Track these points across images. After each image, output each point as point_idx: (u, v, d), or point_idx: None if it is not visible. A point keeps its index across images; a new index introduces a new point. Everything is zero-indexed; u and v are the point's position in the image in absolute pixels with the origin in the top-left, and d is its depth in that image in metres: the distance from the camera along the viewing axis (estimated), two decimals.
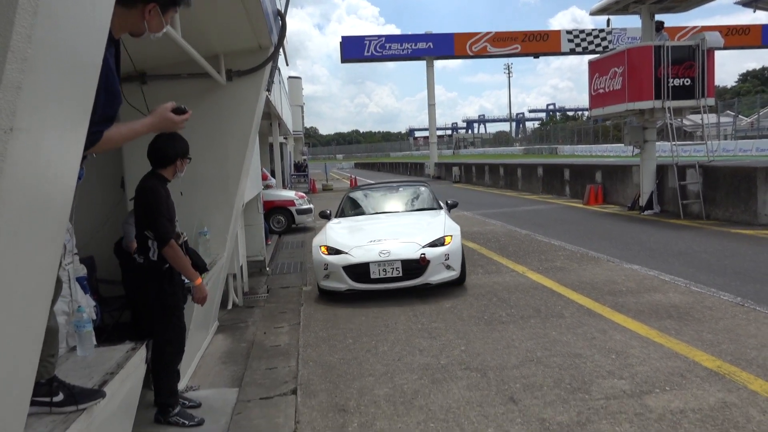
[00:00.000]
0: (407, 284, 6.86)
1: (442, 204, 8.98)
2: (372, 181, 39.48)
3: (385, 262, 6.80)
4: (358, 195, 9.66)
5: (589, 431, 3.54)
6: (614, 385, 4.20)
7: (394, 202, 9.18)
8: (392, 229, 7.61)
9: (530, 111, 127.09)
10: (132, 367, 2.70)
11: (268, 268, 9.37)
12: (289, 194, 14.94)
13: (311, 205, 14.87)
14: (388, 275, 6.81)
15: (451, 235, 7.20)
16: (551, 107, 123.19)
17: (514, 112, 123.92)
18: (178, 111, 2.69)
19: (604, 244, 10.14)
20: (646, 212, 13.74)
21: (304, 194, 15.38)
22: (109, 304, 5.09)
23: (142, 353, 2.90)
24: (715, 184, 12.27)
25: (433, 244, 6.99)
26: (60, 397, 2.12)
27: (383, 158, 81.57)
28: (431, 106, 37.09)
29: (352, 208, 9.12)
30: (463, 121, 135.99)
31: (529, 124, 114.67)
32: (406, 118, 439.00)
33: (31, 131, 1.21)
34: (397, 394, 4.28)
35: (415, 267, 6.83)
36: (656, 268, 7.94)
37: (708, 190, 12.42)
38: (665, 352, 4.78)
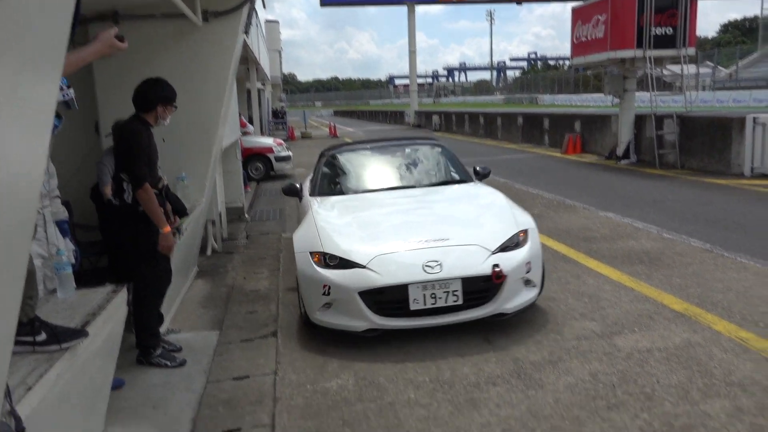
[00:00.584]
0: (469, 317, 4.06)
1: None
2: (352, 129, 39.05)
3: (435, 282, 3.92)
4: (347, 158, 6.12)
5: (561, 369, 3.69)
6: (585, 326, 4.35)
7: (406, 170, 5.89)
8: (427, 220, 4.71)
9: (511, 59, 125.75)
10: (113, 308, 2.72)
11: (246, 215, 9.34)
12: (268, 141, 14.77)
13: (290, 153, 14.74)
14: (440, 304, 3.96)
15: (527, 230, 4.46)
16: (533, 56, 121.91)
17: (496, 60, 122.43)
18: (120, 39, 2.64)
19: (580, 192, 10.27)
20: (623, 161, 13.90)
21: (282, 141, 15.22)
22: (86, 249, 5.06)
23: (123, 295, 2.92)
24: (692, 135, 12.42)
25: (505, 247, 4.22)
26: (42, 336, 2.14)
27: (363, 106, 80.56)
28: (412, 53, 36.50)
29: (340, 178, 5.85)
30: (444, 69, 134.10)
31: (510, 73, 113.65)
32: (387, 65, 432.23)
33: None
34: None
35: (482, 288, 4.05)
36: (630, 215, 8.10)
37: (684, 140, 12.57)
38: (635, 295, 4.94)
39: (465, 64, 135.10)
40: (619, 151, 14.12)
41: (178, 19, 5.10)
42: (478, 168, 6.05)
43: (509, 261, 4.12)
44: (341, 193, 5.60)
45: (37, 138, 1.50)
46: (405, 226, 4.60)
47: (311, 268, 4.20)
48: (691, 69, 15.48)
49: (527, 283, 4.27)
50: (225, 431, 3.20)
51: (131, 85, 3.84)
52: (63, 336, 2.20)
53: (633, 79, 13.78)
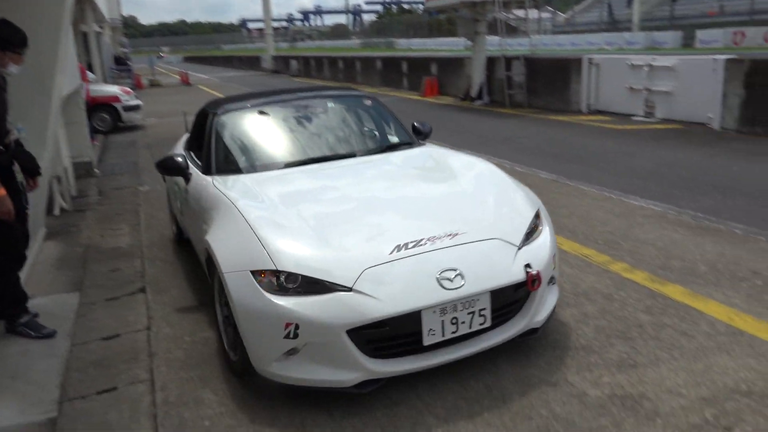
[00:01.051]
0: (497, 341, 2.91)
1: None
2: (206, 76, 37.01)
3: (458, 301, 2.73)
4: (251, 118, 4.27)
5: None
6: None
7: (338, 132, 4.30)
8: (414, 205, 3.34)
9: (366, 3, 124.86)
10: None
11: (96, 170, 8.64)
12: (113, 89, 13.61)
13: (140, 101, 13.72)
14: (462, 331, 2.79)
15: (538, 208, 3.40)
16: (388, 0, 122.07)
17: (351, 3, 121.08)
18: None
19: (438, 132, 10.67)
20: (476, 102, 14.62)
21: (130, 90, 14.09)
22: None
23: None
24: (537, 76, 13.31)
25: (528, 237, 3.10)
26: None
27: (215, 51, 76.34)
28: None
29: (250, 149, 4.07)
30: (299, 12, 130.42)
31: (366, 17, 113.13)
32: (238, 8, 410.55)
33: None
34: None
35: (511, 300, 2.95)
36: (485, 152, 8.59)
37: (530, 81, 13.45)
38: None
39: (320, 7, 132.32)
40: (473, 92, 14.80)
41: None
42: (416, 124, 4.61)
43: (538, 257, 3.00)
44: (256, 169, 3.79)
45: None
46: (386, 215, 3.15)
47: (259, 297, 2.66)
48: (533, 14, 16.43)
49: (551, 281, 3.16)
50: (99, 392, 3.05)
51: None
52: None
53: (483, 22, 14.35)
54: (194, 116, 4.78)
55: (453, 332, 2.74)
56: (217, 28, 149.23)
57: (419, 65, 18.82)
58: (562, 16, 48.57)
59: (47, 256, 5.21)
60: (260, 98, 4.48)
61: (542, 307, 3.08)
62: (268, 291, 2.68)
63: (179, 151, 4.83)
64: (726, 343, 3.16)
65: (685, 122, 10.00)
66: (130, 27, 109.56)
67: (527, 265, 2.91)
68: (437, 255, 2.80)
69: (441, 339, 2.73)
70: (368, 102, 4.72)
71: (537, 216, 3.27)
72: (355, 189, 3.56)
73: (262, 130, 4.27)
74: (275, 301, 2.65)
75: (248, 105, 4.36)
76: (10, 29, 3.38)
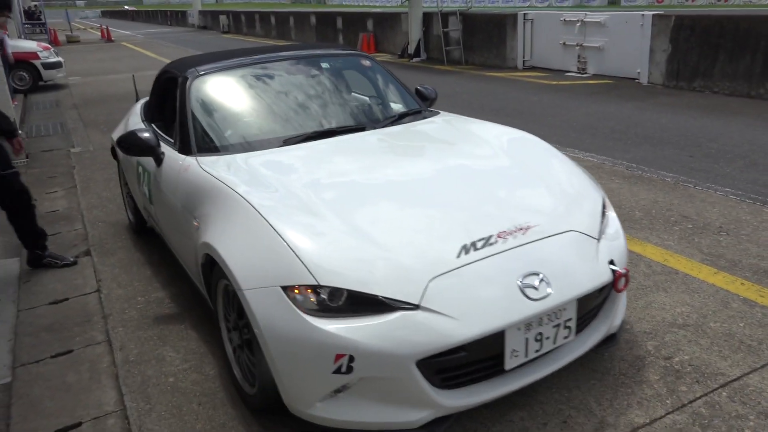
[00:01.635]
0: (579, 353, 2.40)
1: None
2: (129, 32, 35.08)
3: (544, 314, 2.20)
4: (233, 83, 3.51)
5: None
6: None
7: (339, 101, 3.61)
8: (461, 189, 2.66)
9: None
10: None
11: (20, 132, 8.13)
12: (31, 45, 12.72)
13: (60, 58, 12.90)
14: (547, 347, 2.28)
15: (602, 190, 2.92)
16: None
17: None
18: None
19: None
20: (414, 59, 14.59)
21: (48, 46, 13.20)
22: None
23: None
24: (473, 32, 13.38)
25: (602, 225, 2.64)
26: None
27: (135, 5, 72.11)
28: None
29: (234, 121, 3.34)
30: None
31: None
32: None
33: None
34: None
35: (594, 305, 2.49)
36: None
37: (467, 37, 13.51)
38: None
39: None
40: (411, 49, 14.75)
41: None
42: (420, 88, 4.03)
43: (618, 249, 2.54)
44: (249, 146, 3.08)
45: None
46: (436, 204, 2.52)
47: (297, 322, 2.06)
48: None
49: (624, 275, 2.52)
50: (54, 355, 2.97)
51: None
52: None
53: None
54: (154, 79, 4.06)
55: (537, 350, 2.23)
56: None
57: (355, 21, 18.50)
58: None
59: None
60: (239, 58, 3.66)
61: (620, 308, 2.63)
62: (307, 312, 2.06)
63: (136, 123, 4.12)
64: (663, 282, 3.40)
65: (615, 77, 10.37)
66: None
67: (611, 262, 2.42)
68: (513, 256, 2.26)
69: (525, 360, 2.22)
70: (366, 62, 3.95)
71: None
72: (382, 171, 2.83)
73: (249, 97, 3.48)
74: (321, 326, 2.03)
75: (227, 66, 3.54)
76: None
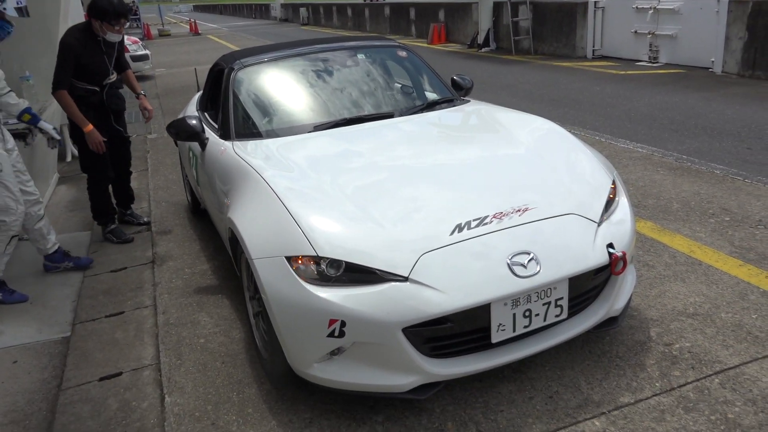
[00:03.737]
0: (572, 333, 2.49)
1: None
2: (215, 25, 36.56)
3: (532, 291, 2.31)
4: (273, 73, 3.83)
5: None
6: None
7: (371, 89, 3.82)
8: (467, 171, 2.88)
9: None
10: None
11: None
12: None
13: (147, 51, 13.84)
14: (536, 324, 2.39)
15: (613, 175, 2.96)
16: None
17: None
18: None
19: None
20: (483, 49, 14.53)
21: (138, 39, 14.19)
22: None
23: None
24: (543, 21, 13.16)
25: (606, 211, 2.68)
26: None
27: (225, 0, 75.05)
28: None
29: (273, 109, 3.62)
30: None
31: None
32: None
33: None
34: None
35: (590, 286, 2.55)
36: (485, 98, 8.66)
37: (537, 26, 13.31)
38: None
39: None
40: (480, 39, 14.69)
41: None
42: (456, 78, 4.13)
43: (620, 234, 2.58)
44: (281, 132, 3.35)
45: None
46: (439, 186, 2.72)
47: (297, 288, 2.28)
48: None
49: (630, 260, 2.68)
50: (108, 315, 3.39)
51: None
52: None
53: None
54: (207, 72, 4.42)
55: (525, 326, 2.34)
56: None
57: (427, 12, 18.59)
58: None
59: (60, 198, 5.54)
60: (282, 50, 3.95)
61: (622, 292, 2.65)
62: (307, 281, 2.27)
63: (192, 111, 4.55)
64: (683, 272, 3.39)
65: (688, 66, 9.96)
66: None
67: (609, 245, 2.48)
68: (506, 235, 2.38)
69: (512, 335, 2.34)
70: (402, 53, 4.16)
71: (613, 185, 2.81)
72: (398, 155, 3.07)
73: (287, 87, 3.78)
74: (317, 293, 2.23)
75: (269, 58, 3.84)
76: (105, 3, 3.87)
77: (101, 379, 2.81)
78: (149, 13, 38.68)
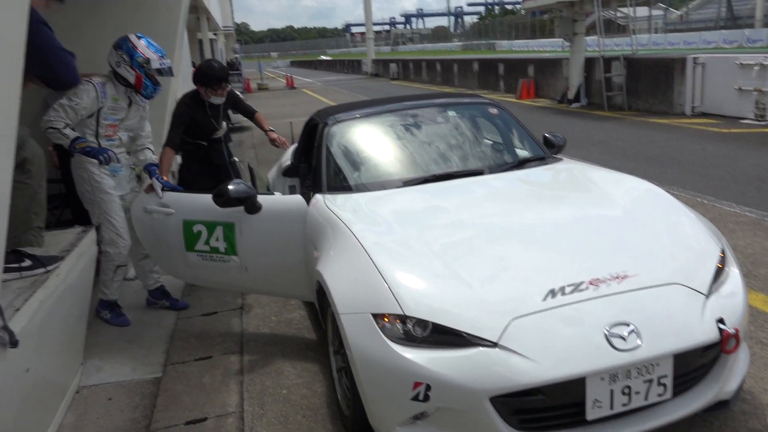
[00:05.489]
0: (677, 416, 2.26)
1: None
2: (310, 80, 38.33)
3: (632, 366, 2.14)
4: (365, 128, 3.89)
5: None
6: None
7: (461, 145, 3.78)
8: (561, 232, 2.75)
9: (469, 5, 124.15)
10: (85, 246, 2.91)
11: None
12: None
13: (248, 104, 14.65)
14: (636, 403, 2.19)
15: (722, 244, 2.74)
16: (490, 1, 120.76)
17: (453, 5, 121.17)
18: None
19: None
20: (574, 105, 14.31)
21: (239, 93, 15.08)
22: (49, 203, 5.15)
23: (92, 235, 3.11)
24: (638, 76, 12.84)
25: (716, 281, 2.47)
26: (27, 262, 2.35)
27: (319, 56, 79.02)
28: None
29: (364, 163, 3.64)
30: (401, 16, 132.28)
31: (467, 19, 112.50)
32: (342, 12, 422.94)
33: None
34: None
35: (698, 365, 2.33)
36: (576, 155, 8.47)
37: (631, 81, 12.99)
38: None
39: (422, 10, 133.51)
40: (570, 94, 14.51)
41: None
42: (548, 135, 4.05)
43: (731, 308, 2.38)
44: (371, 187, 3.34)
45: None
46: (532, 247, 2.62)
47: (382, 347, 2.24)
48: (642, 11, 15.80)
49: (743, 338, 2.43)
50: (198, 359, 3.48)
51: (78, 38, 3.94)
52: (46, 260, 2.40)
53: (581, 22, 14.03)
54: (302, 125, 4.46)
55: (624, 404, 2.17)
56: (323, 33, 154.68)
57: (516, 67, 18.65)
58: (675, 13, 45.89)
59: None
60: (374, 107, 4.05)
61: (734, 372, 2.41)
62: (392, 340, 2.23)
63: (286, 162, 4.78)
64: None
65: None
66: (242, 34, 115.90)
67: (720, 320, 2.28)
68: (603, 304, 2.25)
69: (609, 413, 2.16)
70: (494, 110, 4.12)
71: (722, 254, 2.62)
72: (489, 213, 3.02)
73: (378, 142, 3.84)
74: (403, 353, 2.19)
75: (361, 114, 3.92)
76: (208, 70, 4.30)
77: (187, 423, 2.86)
78: (250, 68, 41.30)
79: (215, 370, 3.35)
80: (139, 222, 3.71)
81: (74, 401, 3.10)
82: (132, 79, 3.56)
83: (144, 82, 3.57)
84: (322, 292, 2.76)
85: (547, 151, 3.90)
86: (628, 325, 2.18)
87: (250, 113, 4.83)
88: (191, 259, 3.56)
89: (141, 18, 5.45)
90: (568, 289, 2.29)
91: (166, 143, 4.28)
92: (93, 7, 5.18)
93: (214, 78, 4.27)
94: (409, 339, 2.22)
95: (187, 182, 4.45)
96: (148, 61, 3.53)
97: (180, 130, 4.32)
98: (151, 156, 3.95)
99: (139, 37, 3.58)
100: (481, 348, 2.14)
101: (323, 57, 69.42)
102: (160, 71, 3.61)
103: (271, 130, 4.83)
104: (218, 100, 4.36)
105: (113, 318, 3.92)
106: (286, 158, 4.85)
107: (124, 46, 3.54)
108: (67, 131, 3.36)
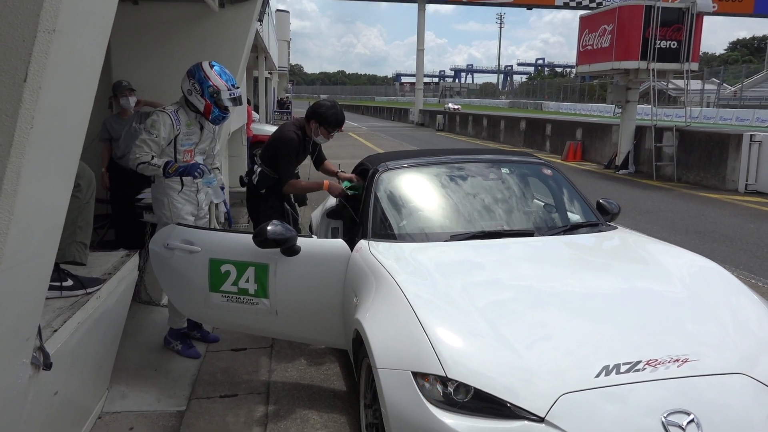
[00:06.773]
0: None
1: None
2: (356, 124, 39.03)
3: None
4: (415, 178, 3.83)
5: None
6: None
7: (511, 204, 3.69)
8: (619, 305, 2.63)
9: (519, 64, 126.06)
10: (126, 270, 2.90)
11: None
12: (273, 129, 14.93)
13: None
14: None
15: None
16: (540, 62, 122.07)
17: (503, 64, 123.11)
18: None
19: None
20: (621, 171, 14.11)
21: None
22: (95, 222, 5.25)
23: (135, 260, 3.11)
24: (690, 148, 12.62)
25: None
26: (69, 282, 2.33)
27: (368, 102, 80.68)
28: (420, 51, 36.60)
29: (411, 213, 3.58)
30: (451, 70, 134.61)
31: (516, 78, 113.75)
32: (394, 62, 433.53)
33: (67, 33, 1.37)
34: None
35: None
36: (622, 223, 8.26)
37: (682, 153, 12.77)
38: None
39: (472, 66, 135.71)
40: (618, 160, 14.33)
41: (195, 4, 5.27)
42: (602, 201, 3.93)
43: None
44: (418, 238, 3.29)
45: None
46: (585, 318, 2.49)
47: (420, 409, 2.14)
48: (695, 84, 15.70)
49: None
50: (222, 396, 3.39)
51: (145, 65, 4.05)
52: (87, 282, 2.39)
53: (635, 90, 13.97)
54: (350, 169, 4.44)
55: None
56: (373, 80, 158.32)
57: (564, 128, 18.59)
58: (729, 89, 45.44)
59: None
60: (425, 157, 4.02)
61: None
62: (431, 402, 2.12)
63: (330, 203, 4.73)
64: None
65: None
66: (295, 74, 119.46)
67: None
68: (662, 388, 2.09)
69: None
70: (548, 171, 4.01)
71: None
72: (535, 275, 2.88)
73: (427, 193, 3.76)
74: (442, 419, 2.06)
75: (413, 163, 3.86)
76: (332, 110, 4.11)
77: None
78: (299, 107, 42.23)
79: (239, 409, 3.25)
80: (157, 257, 3.43)
81: (95, 427, 3.04)
82: (201, 108, 3.63)
83: (213, 110, 3.63)
84: (359, 342, 2.67)
85: (601, 217, 3.77)
86: (688, 414, 2.02)
87: (321, 160, 4.57)
88: (214, 300, 3.33)
89: (207, 51, 5.62)
90: (623, 368, 2.14)
91: (286, 179, 4.02)
92: (162, 37, 5.37)
93: (334, 121, 4.09)
94: (448, 403, 2.11)
95: (267, 216, 4.06)
96: (218, 91, 3.59)
97: (295, 161, 4.10)
98: (220, 177, 4.04)
99: (211, 66, 3.64)
100: (526, 422, 2.01)
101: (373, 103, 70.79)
102: (235, 101, 3.67)
103: (341, 172, 4.44)
104: (322, 140, 4.22)
105: (184, 349, 3.90)
106: (331, 200, 4.80)
107: (196, 74, 3.60)
108: (156, 161, 3.51)
